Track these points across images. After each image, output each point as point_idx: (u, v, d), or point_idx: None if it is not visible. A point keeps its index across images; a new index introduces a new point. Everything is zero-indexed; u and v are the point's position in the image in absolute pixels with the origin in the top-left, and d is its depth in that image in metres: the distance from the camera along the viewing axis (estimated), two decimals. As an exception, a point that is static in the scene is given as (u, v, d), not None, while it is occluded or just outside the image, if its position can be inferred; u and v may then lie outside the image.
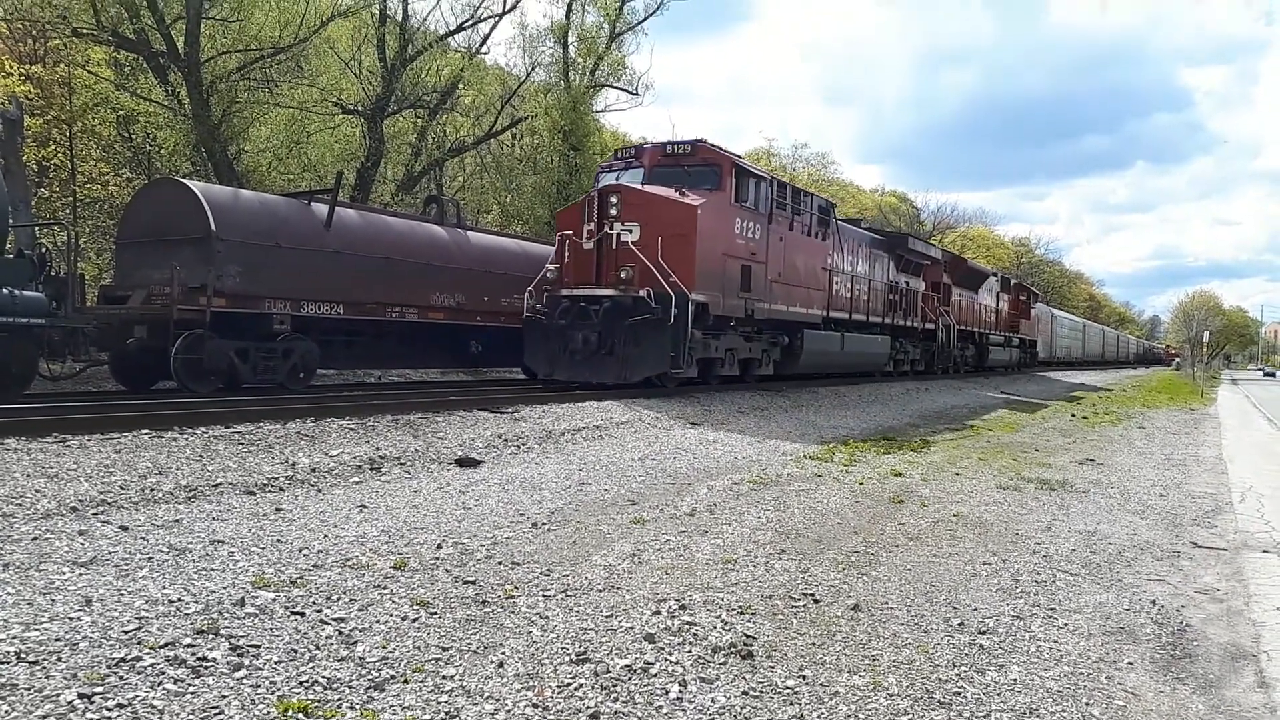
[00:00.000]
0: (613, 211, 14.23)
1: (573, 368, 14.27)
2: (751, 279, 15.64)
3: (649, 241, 13.81)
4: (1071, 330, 64.86)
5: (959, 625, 4.57)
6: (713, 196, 14.70)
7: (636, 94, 36.77)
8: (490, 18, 34.45)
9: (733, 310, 15.26)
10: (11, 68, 20.24)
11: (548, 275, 14.94)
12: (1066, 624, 4.70)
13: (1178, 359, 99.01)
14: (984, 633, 4.48)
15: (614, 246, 14.21)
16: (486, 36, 33.80)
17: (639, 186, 14.73)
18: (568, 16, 35.77)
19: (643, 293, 13.60)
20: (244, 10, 19.37)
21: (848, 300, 20.32)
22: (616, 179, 15.44)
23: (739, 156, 16.30)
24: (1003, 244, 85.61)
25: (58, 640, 3.58)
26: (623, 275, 13.94)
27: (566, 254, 14.79)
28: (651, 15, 36.72)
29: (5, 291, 10.29)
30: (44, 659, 3.40)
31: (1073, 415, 19.36)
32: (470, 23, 34.16)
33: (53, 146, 22.22)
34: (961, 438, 13.82)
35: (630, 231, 14.12)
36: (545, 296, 14.81)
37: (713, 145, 15.64)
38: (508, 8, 35.44)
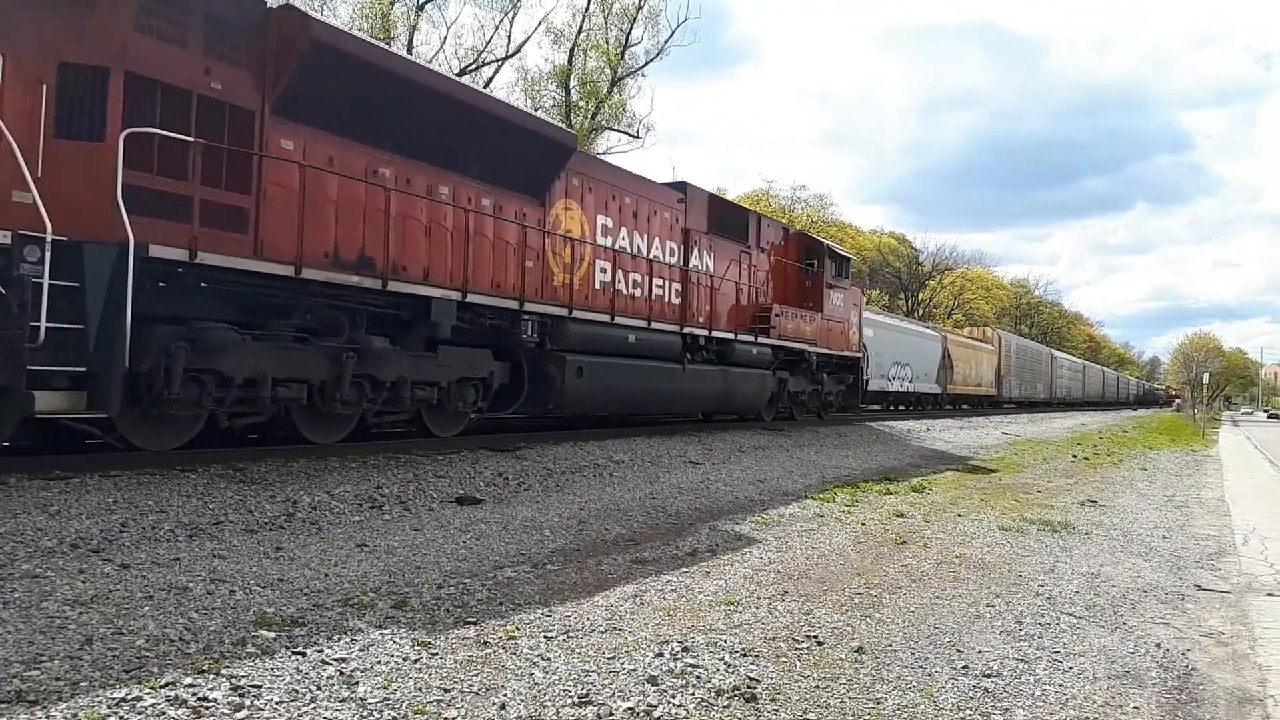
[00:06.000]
0: None
1: None
2: None
3: None
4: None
5: (963, 668, 4.54)
6: None
7: (638, 136, 37.22)
8: (493, 62, 35.05)
9: None
10: None
11: None
12: (1071, 667, 4.67)
13: (1178, 400, 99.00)
14: (988, 676, 4.45)
15: None
16: (489, 80, 34.35)
17: None
18: (570, 61, 36.34)
19: None
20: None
21: None
22: None
23: None
24: (1002, 285, 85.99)
25: (58, 680, 3.56)
26: None
27: None
28: (652, 60, 37.42)
29: None
30: (44, 699, 3.38)
31: (1074, 456, 19.33)
32: (473, 66, 34.71)
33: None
34: (964, 479, 13.79)
35: None
36: None
37: None
38: (510, 53, 36.04)
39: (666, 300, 14.86)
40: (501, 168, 11.22)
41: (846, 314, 21.47)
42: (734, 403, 17.28)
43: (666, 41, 36.71)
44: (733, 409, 17.78)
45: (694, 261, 15.74)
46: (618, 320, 13.17)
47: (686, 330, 14.93)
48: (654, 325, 14.05)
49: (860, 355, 22.26)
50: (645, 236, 14.50)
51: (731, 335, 16.22)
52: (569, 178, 12.62)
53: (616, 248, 13.68)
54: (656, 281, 14.60)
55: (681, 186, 16.16)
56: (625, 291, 13.81)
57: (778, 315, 17.94)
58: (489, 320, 11.00)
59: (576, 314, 12.24)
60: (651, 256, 14.52)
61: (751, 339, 16.87)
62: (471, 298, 10.47)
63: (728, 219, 17.28)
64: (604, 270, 13.36)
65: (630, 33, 35.97)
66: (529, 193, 11.79)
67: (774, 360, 17.92)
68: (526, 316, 11.43)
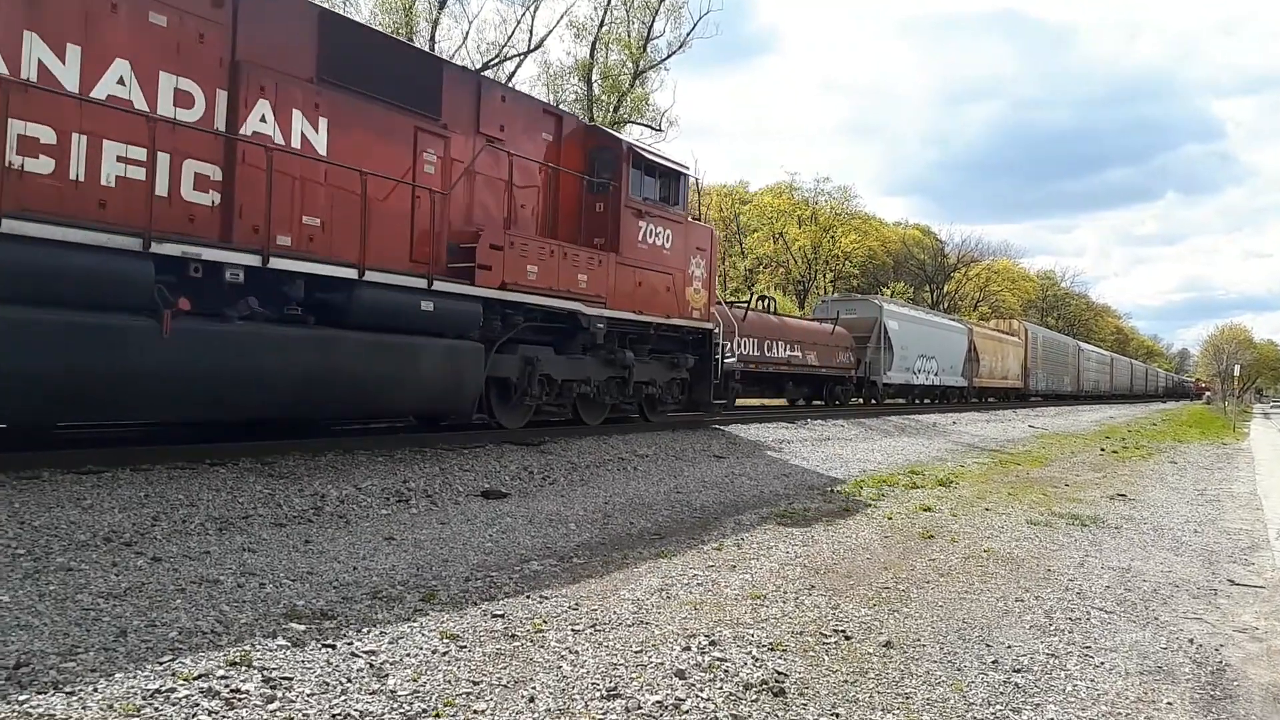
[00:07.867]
0: None
1: None
2: None
3: None
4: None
5: (993, 663, 4.51)
6: None
7: (660, 129, 37.21)
8: (515, 56, 35.10)
9: None
10: None
11: None
12: (1103, 663, 4.62)
13: (1209, 393, 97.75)
14: (1019, 671, 4.41)
15: None
16: (511, 74, 34.40)
17: None
18: (592, 55, 36.34)
19: None
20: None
21: None
22: None
23: None
24: (1028, 277, 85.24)
25: (93, 671, 3.61)
26: None
27: None
28: (674, 53, 37.32)
29: None
30: (80, 689, 3.43)
31: (1102, 449, 19.13)
32: (496, 61, 34.78)
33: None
34: (991, 472, 13.68)
35: None
36: None
37: None
38: (532, 47, 36.06)
39: (159, 192, 7.45)
40: None
41: (681, 260, 13.85)
42: (364, 400, 9.39)
43: (689, 34, 36.65)
44: (362, 410, 10.18)
45: (259, 125, 8.34)
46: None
47: (175, 250, 7.40)
48: (31, 231, 6.45)
49: (712, 327, 14.82)
50: (74, 56, 7.05)
51: (353, 272, 8.78)
52: None
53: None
54: (111, 148, 7.23)
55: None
56: None
57: (495, 248, 10.41)
58: None
59: None
60: (101, 97, 7.18)
61: (421, 284, 9.44)
62: None
63: (377, 63, 9.51)
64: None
65: (652, 26, 35.95)
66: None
67: (499, 327, 10.71)
68: None
